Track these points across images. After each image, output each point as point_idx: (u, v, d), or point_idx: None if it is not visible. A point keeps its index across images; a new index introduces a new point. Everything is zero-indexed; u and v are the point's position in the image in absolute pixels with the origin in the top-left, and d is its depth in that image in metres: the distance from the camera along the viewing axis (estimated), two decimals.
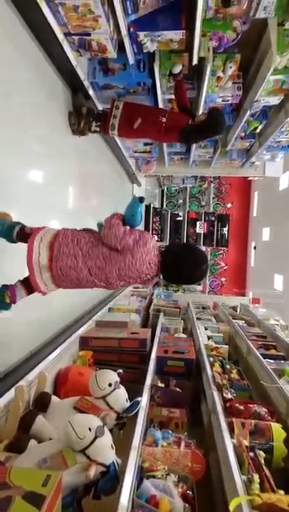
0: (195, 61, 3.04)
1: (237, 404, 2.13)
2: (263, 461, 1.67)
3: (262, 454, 1.72)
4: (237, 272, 14.13)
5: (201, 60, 3.11)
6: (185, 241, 9.59)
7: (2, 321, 2.30)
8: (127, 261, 1.96)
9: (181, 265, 2.02)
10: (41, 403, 1.92)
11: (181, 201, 11.52)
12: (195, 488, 1.70)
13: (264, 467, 1.63)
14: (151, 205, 9.45)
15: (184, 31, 2.82)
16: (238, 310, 5.25)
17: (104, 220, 2.04)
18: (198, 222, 9.86)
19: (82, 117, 3.42)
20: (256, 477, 1.53)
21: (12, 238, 2.10)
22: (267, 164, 6.33)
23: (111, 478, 1.46)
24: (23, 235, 2.05)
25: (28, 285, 2.03)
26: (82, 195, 4.05)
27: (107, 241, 1.97)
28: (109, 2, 2.47)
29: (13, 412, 1.72)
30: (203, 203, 11.53)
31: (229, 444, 1.72)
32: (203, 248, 10.48)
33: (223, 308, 4.87)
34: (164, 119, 3.24)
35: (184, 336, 3.73)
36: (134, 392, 2.06)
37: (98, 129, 3.49)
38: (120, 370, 2.11)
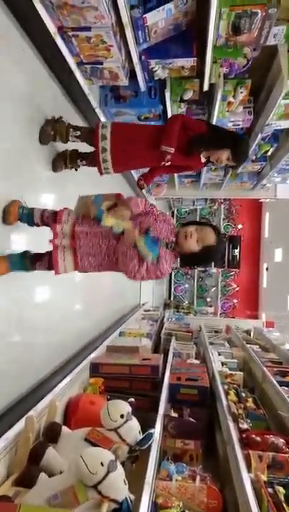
0: (206, 87, 3.08)
1: (253, 436, 2.06)
2: (283, 498, 1.60)
3: (281, 490, 1.65)
4: (249, 293, 13.96)
5: (212, 85, 3.15)
6: None
7: (12, 348, 2.27)
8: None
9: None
10: (51, 434, 1.87)
11: None
12: None
13: (284, 505, 1.55)
14: None
15: (195, 58, 2.87)
16: (252, 334, 5.16)
17: None
18: None
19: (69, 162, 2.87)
20: None
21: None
22: (278, 186, 6.32)
23: None
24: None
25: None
26: None
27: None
28: (121, 32, 2.53)
29: (22, 443, 1.68)
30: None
31: (246, 479, 1.66)
32: (214, 270, 10.41)
33: (236, 332, 4.79)
34: (168, 164, 2.59)
35: (196, 361, 3.66)
36: (146, 421, 1.99)
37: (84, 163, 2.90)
38: (132, 399, 2.05)
